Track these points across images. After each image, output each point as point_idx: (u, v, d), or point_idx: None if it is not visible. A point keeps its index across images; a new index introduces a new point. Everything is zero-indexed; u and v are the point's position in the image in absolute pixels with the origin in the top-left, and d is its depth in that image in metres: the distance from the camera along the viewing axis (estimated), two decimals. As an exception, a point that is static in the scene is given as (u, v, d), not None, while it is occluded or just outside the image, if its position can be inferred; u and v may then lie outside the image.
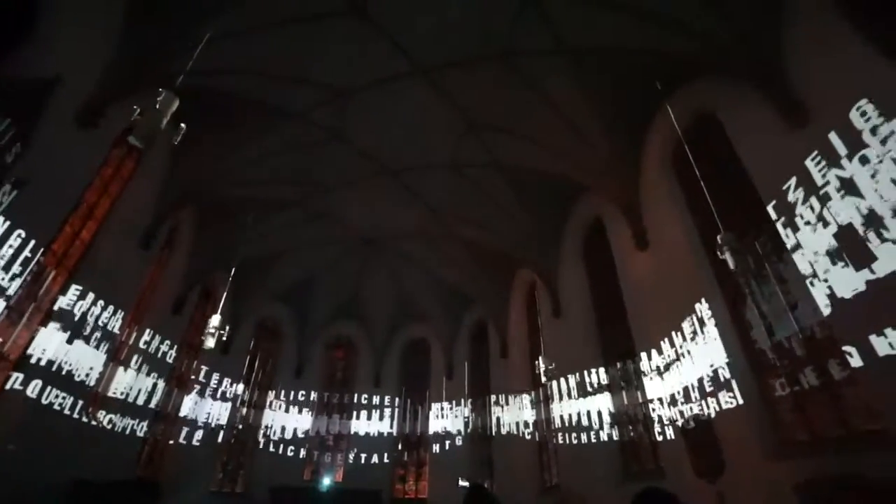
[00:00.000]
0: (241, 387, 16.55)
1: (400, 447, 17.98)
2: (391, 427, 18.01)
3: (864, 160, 5.22)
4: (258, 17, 8.32)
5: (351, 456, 17.15)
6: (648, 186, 9.68)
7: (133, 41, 8.13)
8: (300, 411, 17.49)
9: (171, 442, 13.62)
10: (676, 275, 8.41)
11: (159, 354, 12.19)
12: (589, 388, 10.64)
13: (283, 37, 8.83)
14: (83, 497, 8.95)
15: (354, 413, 18.11)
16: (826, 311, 5.56)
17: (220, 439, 15.33)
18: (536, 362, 11.35)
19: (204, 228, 13.30)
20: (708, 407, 7.25)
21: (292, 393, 17.64)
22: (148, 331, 11.72)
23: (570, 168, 10.99)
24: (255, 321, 17.79)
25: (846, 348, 5.25)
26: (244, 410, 16.66)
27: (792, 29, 6.48)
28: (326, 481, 16.36)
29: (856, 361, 5.11)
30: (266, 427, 16.73)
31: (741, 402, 6.72)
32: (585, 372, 10.84)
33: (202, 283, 14.32)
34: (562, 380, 11.37)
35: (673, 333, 8.27)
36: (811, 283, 5.78)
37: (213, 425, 15.03)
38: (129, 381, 11.14)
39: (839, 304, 5.37)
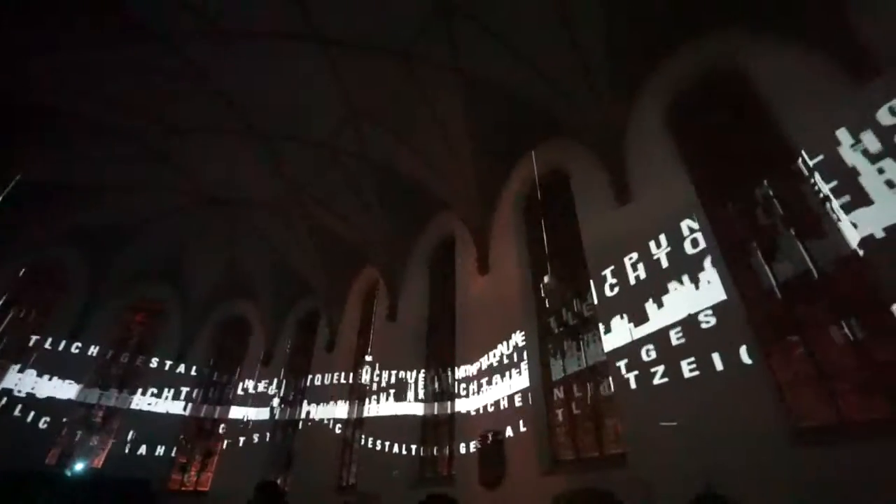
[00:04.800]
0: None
1: (189, 432, 15.97)
2: (185, 409, 15.88)
3: (667, 246, 6.72)
4: None
5: (124, 436, 14.49)
6: (500, 219, 10.69)
7: None
8: (65, 378, 14.26)
9: None
10: (505, 303, 9.36)
11: None
12: (405, 394, 11.05)
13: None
14: None
15: (141, 388, 15.51)
16: (610, 351, 6.89)
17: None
18: (361, 361, 11.40)
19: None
20: (504, 425, 8.10)
21: (60, 356, 14.14)
22: None
23: (436, 182, 11.51)
24: (27, 262, 14.14)
25: (611, 382, 6.62)
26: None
27: (632, 130, 8.10)
28: (78, 467, 13.56)
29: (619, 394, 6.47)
30: (7, 393, 13.17)
31: (532, 423, 7.72)
32: (406, 377, 11.23)
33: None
34: (382, 382, 11.58)
35: (490, 354, 9.12)
36: (603, 332, 7.10)
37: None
38: None
39: (616, 351, 6.71)
